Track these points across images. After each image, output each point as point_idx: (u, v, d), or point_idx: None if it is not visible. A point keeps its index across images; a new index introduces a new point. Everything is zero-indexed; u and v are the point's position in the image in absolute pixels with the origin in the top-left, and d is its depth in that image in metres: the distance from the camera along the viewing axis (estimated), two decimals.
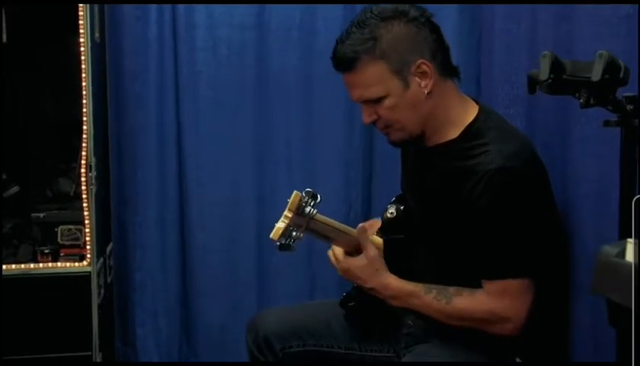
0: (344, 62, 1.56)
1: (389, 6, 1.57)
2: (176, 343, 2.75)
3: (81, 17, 2.29)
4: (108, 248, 2.62)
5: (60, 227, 2.40)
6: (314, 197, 1.52)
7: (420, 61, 1.55)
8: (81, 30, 2.29)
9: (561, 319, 1.70)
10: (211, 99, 2.66)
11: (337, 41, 1.59)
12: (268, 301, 2.70)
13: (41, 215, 2.47)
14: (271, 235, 1.53)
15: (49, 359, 2.31)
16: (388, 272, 1.62)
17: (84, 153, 2.32)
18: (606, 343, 1.41)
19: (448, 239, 1.61)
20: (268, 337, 1.77)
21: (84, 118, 2.31)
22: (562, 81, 1.17)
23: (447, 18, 2.47)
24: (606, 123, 1.18)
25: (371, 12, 1.56)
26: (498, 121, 1.63)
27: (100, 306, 2.37)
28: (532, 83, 1.31)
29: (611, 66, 1.11)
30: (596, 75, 1.11)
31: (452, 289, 1.58)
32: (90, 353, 2.33)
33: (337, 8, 2.65)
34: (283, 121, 2.68)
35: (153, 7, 2.61)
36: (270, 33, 2.66)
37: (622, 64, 1.12)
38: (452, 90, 1.62)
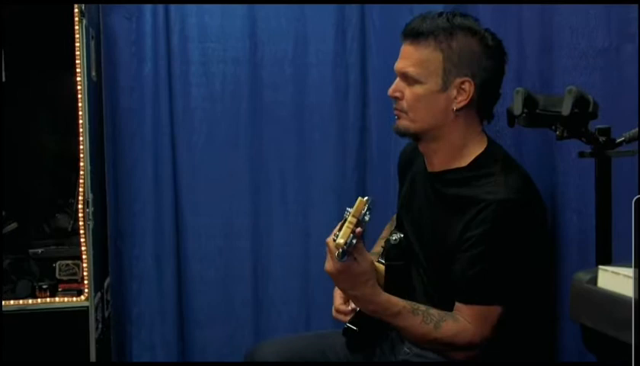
0: (415, 32, 1.62)
1: (473, 21, 1.64)
2: None
3: (77, 57, 2.35)
4: (106, 283, 2.64)
5: (58, 262, 2.41)
6: (370, 207, 1.49)
7: (467, 79, 1.60)
8: (78, 69, 2.35)
9: (548, 350, 1.72)
10: (206, 133, 2.70)
11: (421, 15, 1.65)
12: (265, 332, 2.71)
13: (39, 251, 2.49)
14: (338, 240, 1.42)
15: None
16: (378, 287, 1.57)
17: (81, 189, 2.36)
18: None
19: (442, 266, 1.63)
20: None
21: (81, 155, 2.35)
22: (535, 115, 1.22)
23: None
24: (581, 155, 1.23)
25: (460, 16, 1.63)
26: (504, 154, 1.67)
27: (97, 341, 2.39)
28: (511, 117, 1.37)
29: (580, 101, 1.15)
30: (565, 109, 1.15)
31: (435, 313, 1.57)
32: None
33: (329, 42, 2.70)
34: (277, 154, 2.72)
35: (148, 44, 2.65)
36: (263, 68, 2.71)
37: (590, 99, 1.17)
38: (476, 125, 1.66)
